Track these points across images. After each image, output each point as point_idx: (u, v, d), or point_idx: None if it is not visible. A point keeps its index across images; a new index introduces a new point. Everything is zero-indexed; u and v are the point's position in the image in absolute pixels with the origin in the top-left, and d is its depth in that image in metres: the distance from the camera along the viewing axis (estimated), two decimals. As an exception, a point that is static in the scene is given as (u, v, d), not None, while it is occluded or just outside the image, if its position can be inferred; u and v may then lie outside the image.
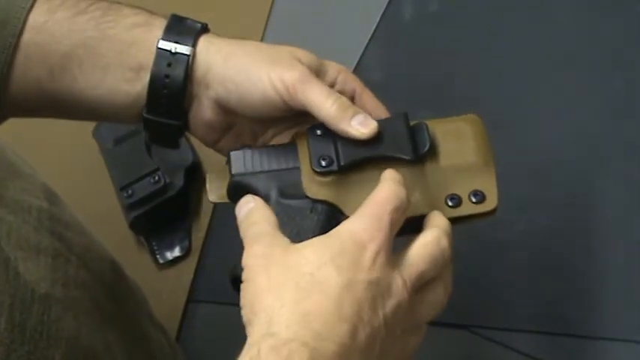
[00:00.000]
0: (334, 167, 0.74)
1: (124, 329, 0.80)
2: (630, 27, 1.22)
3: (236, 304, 1.09)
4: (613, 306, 1.04)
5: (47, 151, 1.17)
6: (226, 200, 0.78)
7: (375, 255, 0.65)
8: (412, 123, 0.76)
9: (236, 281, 0.69)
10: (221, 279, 1.13)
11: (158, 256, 1.14)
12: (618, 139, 1.14)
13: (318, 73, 0.77)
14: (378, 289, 0.65)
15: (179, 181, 1.16)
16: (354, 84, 0.79)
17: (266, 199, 0.74)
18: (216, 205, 1.17)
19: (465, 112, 0.80)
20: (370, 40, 1.26)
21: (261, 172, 0.75)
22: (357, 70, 1.22)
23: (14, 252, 0.68)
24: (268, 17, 1.30)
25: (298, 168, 0.75)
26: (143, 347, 0.86)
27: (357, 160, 0.75)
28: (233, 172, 0.76)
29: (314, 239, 0.67)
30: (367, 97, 0.79)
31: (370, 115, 0.75)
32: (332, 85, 0.77)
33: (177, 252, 1.15)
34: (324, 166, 0.74)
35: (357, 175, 0.75)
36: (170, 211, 1.15)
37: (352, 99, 0.78)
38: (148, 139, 0.82)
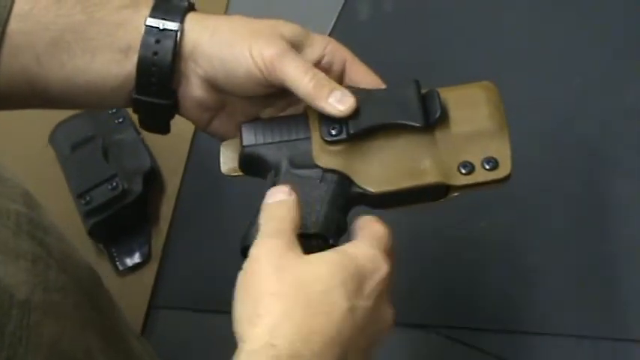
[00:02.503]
0: (344, 136, 0.74)
1: (106, 336, 0.79)
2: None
3: (197, 311, 1.09)
4: (574, 304, 1.04)
5: (2, 158, 1.15)
6: (239, 172, 0.78)
7: (377, 284, 0.66)
8: (423, 90, 0.76)
9: (246, 251, 0.69)
10: (182, 284, 1.13)
11: (118, 263, 1.13)
12: (576, 138, 1.15)
13: (303, 45, 0.77)
14: (372, 317, 0.66)
15: (137, 187, 1.14)
16: (344, 54, 0.79)
17: (277, 169, 0.74)
18: (175, 209, 1.17)
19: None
20: (326, 41, 1.25)
21: (272, 142, 0.76)
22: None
23: None
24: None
25: (309, 138, 0.75)
26: (126, 356, 0.85)
27: (367, 128, 0.74)
28: (244, 143, 0.76)
29: (328, 255, 0.67)
30: (358, 66, 0.79)
31: (361, 84, 0.76)
32: (321, 57, 0.77)
33: (137, 258, 1.14)
34: (333, 135, 0.74)
35: (367, 144, 0.75)
36: (129, 217, 1.14)
37: (342, 69, 0.78)
38: (139, 123, 0.81)
